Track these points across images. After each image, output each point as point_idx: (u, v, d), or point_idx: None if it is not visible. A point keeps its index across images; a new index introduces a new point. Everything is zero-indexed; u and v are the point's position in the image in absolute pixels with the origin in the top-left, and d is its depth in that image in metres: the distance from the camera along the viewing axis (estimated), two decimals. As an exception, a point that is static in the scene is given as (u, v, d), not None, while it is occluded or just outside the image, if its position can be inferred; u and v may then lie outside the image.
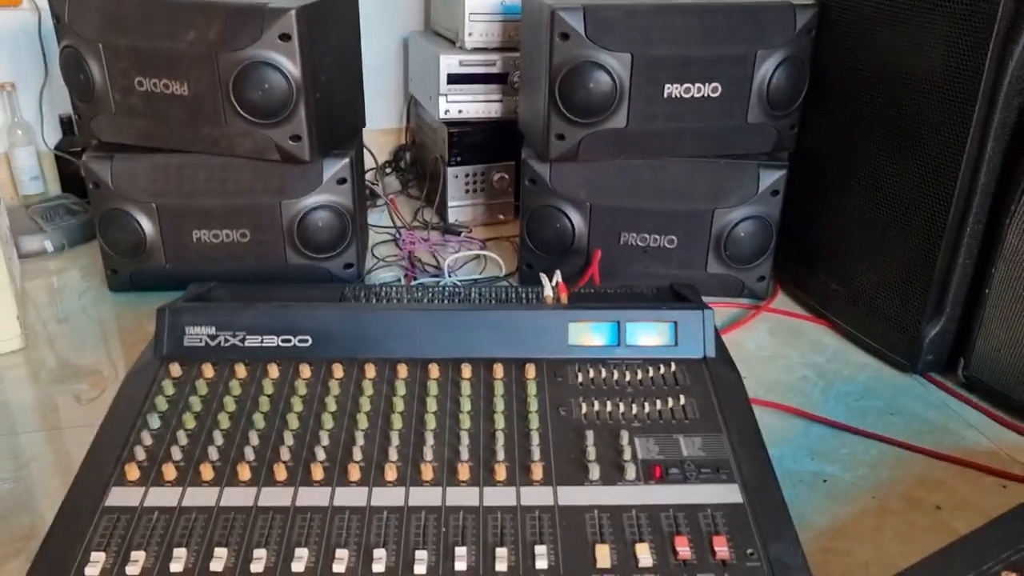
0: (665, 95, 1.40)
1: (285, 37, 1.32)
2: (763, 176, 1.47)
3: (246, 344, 1.04)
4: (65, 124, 1.95)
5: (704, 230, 1.50)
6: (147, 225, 1.46)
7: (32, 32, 1.90)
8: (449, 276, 1.63)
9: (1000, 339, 1.23)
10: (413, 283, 1.59)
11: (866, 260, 1.39)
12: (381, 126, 2.18)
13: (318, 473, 0.88)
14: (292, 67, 1.34)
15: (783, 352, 1.41)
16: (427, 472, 0.88)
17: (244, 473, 0.87)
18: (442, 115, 1.80)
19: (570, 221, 1.51)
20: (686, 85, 1.40)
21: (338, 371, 1.02)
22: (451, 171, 1.84)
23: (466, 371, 1.02)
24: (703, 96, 1.41)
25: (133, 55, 1.37)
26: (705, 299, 1.14)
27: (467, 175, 1.86)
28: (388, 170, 2.17)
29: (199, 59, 1.34)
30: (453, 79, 1.77)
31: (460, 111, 1.80)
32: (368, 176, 1.97)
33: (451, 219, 1.88)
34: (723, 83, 1.41)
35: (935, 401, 1.28)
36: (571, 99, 1.38)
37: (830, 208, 1.48)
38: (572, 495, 0.86)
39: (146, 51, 1.36)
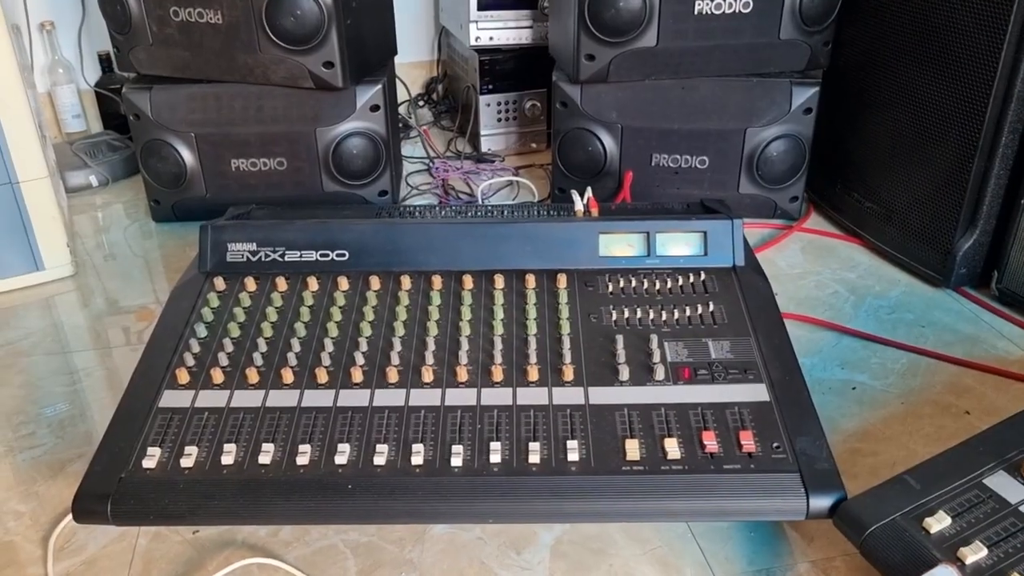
0: (695, 11, 1.38)
1: (315, -38, 1.33)
2: (796, 94, 1.45)
3: (286, 259, 1.07)
4: (104, 62, 1.98)
5: (736, 150, 1.49)
6: (187, 154, 1.49)
7: (68, -30, 1.93)
8: (482, 202, 1.65)
9: (1035, 250, 1.22)
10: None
11: (900, 177, 1.38)
12: (413, 59, 2.18)
13: (358, 376, 0.91)
14: (323, -8, 1.35)
15: (815, 269, 1.41)
16: (462, 374, 0.91)
17: (287, 377, 0.91)
18: (473, 42, 1.80)
19: (601, 143, 1.51)
20: (716, 1, 1.38)
21: (375, 283, 1.05)
22: (483, 99, 1.84)
23: (499, 282, 1.04)
24: (734, 12, 1.39)
25: (167, -16, 1.39)
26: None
27: (499, 103, 1.86)
28: (421, 102, 2.18)
29: (231, -14, 1.36)
30: (483, 5, 1.76)
31: (491, 38, 1.80)
32: (401, 109, 1.98)
33: (484, 148, 1.89)
34: (755, -2, 1.39)
35: (967, 314, 1.28)
36: (600, 18, 1.38)
37: (864, 126, 1.46)
38: (602, 395, 0.89)
39: (180, -20, 1.38)
